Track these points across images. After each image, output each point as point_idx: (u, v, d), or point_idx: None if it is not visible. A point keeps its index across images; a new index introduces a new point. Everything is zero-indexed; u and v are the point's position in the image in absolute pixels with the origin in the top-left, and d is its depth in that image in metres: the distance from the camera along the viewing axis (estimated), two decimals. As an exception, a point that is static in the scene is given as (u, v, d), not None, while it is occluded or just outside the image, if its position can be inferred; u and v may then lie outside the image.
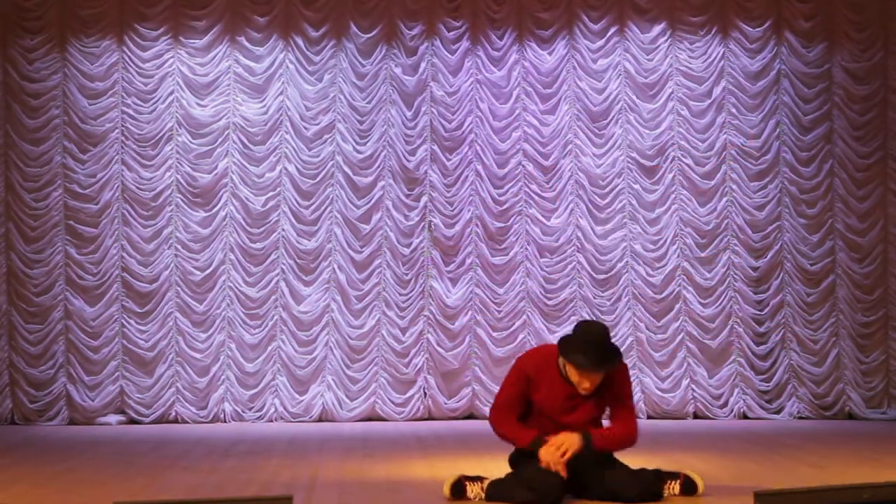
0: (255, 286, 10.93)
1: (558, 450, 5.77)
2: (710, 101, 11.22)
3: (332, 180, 11.03)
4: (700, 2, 11.26)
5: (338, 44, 11.10)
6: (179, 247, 10.91)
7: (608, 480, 5.88)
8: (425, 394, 10.95)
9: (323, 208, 11.01)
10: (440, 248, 11.07)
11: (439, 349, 10.97)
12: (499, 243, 11.12)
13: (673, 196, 11.16)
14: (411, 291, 11.02)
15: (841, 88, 11.20)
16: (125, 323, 10.84)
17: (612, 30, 11.22)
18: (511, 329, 11.04)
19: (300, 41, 11.07)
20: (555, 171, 11.17)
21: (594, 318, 10.14)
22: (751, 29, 11.24)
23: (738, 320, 11.10)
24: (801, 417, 10.95)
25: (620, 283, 11.11)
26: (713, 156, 11.20)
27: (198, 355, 10.86)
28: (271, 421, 10.81)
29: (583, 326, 5.87)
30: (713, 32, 11.24)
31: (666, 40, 11.25)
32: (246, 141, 10.99)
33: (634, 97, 11.20)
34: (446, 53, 11.14)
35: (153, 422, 10.73)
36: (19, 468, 7.60)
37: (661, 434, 9.64)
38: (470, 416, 10.91)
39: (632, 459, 6.17)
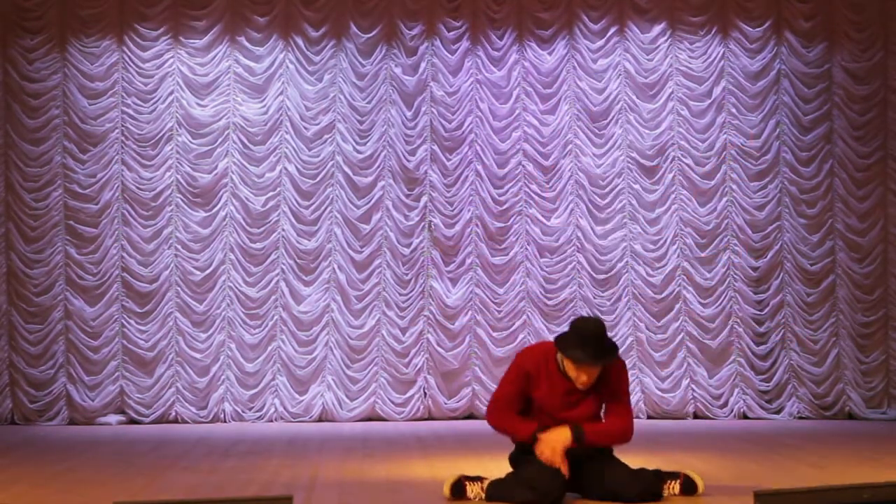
0: (255, 286, 10.93)
1: (549, 445, 5.77)
2: (710, 101, 11.22)
3: (332, 180, 11.03)
4: (700, 2, 11.26)
5: (338, 44, 11.10)
6: (179, 247, 10.91)
7: (608, 480, 5.89)
8: (425, 394, 10.95)
9: (323, 208, 11.01)
10: (440, 248, 11.07)
11: (439, 349, 10.97)
12: (499, 243, 11.12)
13: (673, 196, 11.16)
14: (411, 291, 11.02)
15: (841, 88, 11.20)
16: (125, 323, 10.84)
17: (612, 30, 11.22)
18: (511, 329, 11.04)
19: (300, 41, 11.07)
20: (555, 171, 11.17)
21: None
22: (751, 29, 11.24)
23: (738, 320, 11.11)
24: (801, 417, 10.95)
25: (620, 283, 11.11)
26: (713, 156, 11.20)
27: (198, 355, 10.86)
28: (271, 421, 10.81)
29: (579, 322, 5.89)
30: (713, 32, 11.24)
31: (666, 40, 11.25)
32: (246, 141, 10.99)
33: (634, 97, 11.20)
34: (446, 53, 11.14)
35: (153, 422, 10.73)
36: (19, 468, 7.60)
37: (661, 434, 9.64)
38: (470, 416, 10.91)
39: (632, 459, 6.17)
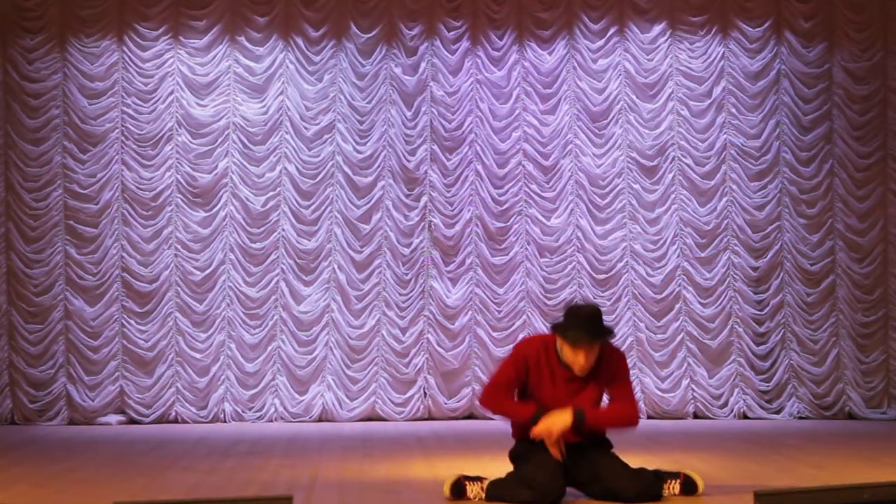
0: (255, 286, 10.93)
1: (548, 426, 5.78)
2: (710, 101, 11.22)
3: (332, 180, 11.03)
4: (700, 2, 11.26)
5: (338, 44, 11.10)
6: (179, 247, 10.90)
7: (608, 479, 5.89)
8: (425, 394, 10.95)
9: (323, 208, 11.01)
10: (440, 248, 11.07)
11: (439, 349, 10.97)
12: (499, 243, 11.12)
13: (673, 196, 11.16)
14: (411, 291, 11.02)
15: (841, 88, 11.20)
16: (125, 323, 10.84)
17: (612, 30, 11.22)
18: (511, 329, 11.03)
19: (300, 41, 11.07)
20: (555, 171, 11.17)
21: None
22: (751, 29, 11.24)
23: (738, 320, 11.10)
24: (801, 417, 10.95)
25: (620, 283, 11.11)
26: (713, 156, 11.20)
27: (198, 355, 10.86)
28: (271, 421, 10.81)
29: (574, 306, 6.02)
30: (713, 32, 11.24)
31: (666, 40, 11.25)
32: (246, 141, 10.99)
33: (634, 97, 11.20)
34: (446, 53, 11.14)
35: (153, 422, 10.73)
36: (19, 468, 7.60)
37: (661, 434, 9.64)
38: (470, 416, 10.91)
39: (632, 459, 6.17)
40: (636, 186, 11.16)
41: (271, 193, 10.99)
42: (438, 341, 10.98)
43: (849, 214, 11.16)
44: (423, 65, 11.12)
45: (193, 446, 8.84)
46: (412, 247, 11.03)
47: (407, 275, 11.03)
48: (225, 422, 10.78)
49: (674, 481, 6.03)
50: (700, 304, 11.10)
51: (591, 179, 11.17)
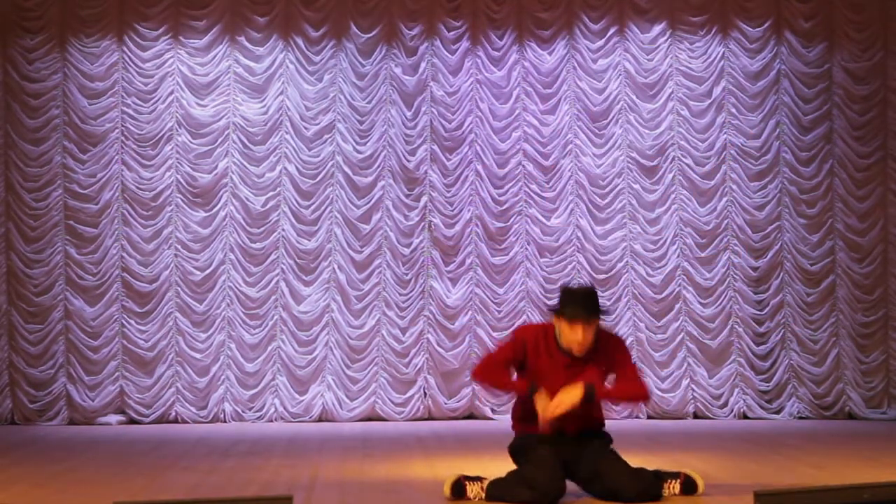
0: (255, 286, 10.93)
1: (561, 402, 5.77)
2: (710, 101, 11.22)
3: (332, 180, 11.03)
4: (700, 2, 11.26)
5: (338, 44, 11.10)
6: (179, 247, 10.90)
7: (608, 479, 5.89)
8: (425, 394, 10.94)
9: (323, 208, 11.01)
10: (440, 248, 11.07)
11: (439, 349, 10.97)
12: (499, 243, 11.12)
13: (673, 196, 11.16)
14: (411, 291, 11.02)
15: (841, 88, 11.20)
16: (125, 323, 10.84)
17: (612, 30, 11.22)
18: (511, 329, 11.02)
19: (300, 41, 11.07)
20: (555, 171, 11.17)
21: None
22: (751, 29, 11.24)
23: (738, 320, 11.10)
24: (801, 417, 10.95)
25: (620, 283, 11.11)
26: (713, 156, 11.20)
27: (198, 355, 10.86)
28: (271, 421, 10.80)
29: (569, 286, 6.09)
30: (713, 32, 11.24)
31: (666, 40, 11.25)
32: (246, 141, 10.99)
33: (634, 97, 11.20)
34: (446, 53, 11.14)
35: (153, 422, 10.73)
36: (19, 468, 7.60)
37: (661, 434, 9.64)
38: (470, 416, 10.91)
39: (632, 459, 6.17)
40: (636, 186, 11.16)
41: (271, 193, 10.99)
42: (438, 341, 10.98)
43: (849, 214, 11.16)
44: (423, 65, 11.12)
45: (193, 446, 8.84)
46: (412, 247, 11.03)
47: (407, 275, 11.03)
48: (225, 422, 10.78)
49: (674, 481, 6.03)
50: (700, 304, 11.10)
51: (591, 179, 11.17)
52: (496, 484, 5.95)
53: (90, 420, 10.72)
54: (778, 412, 10.99)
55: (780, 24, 11.26)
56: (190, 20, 11.01)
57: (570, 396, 5.80)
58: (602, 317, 5.93)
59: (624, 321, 11.03)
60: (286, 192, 10.98)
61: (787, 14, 11.24)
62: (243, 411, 10.82)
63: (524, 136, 11.17)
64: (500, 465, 6.32)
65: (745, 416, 10.96)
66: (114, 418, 10.72)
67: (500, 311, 11.04)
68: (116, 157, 10.90)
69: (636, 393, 6.05)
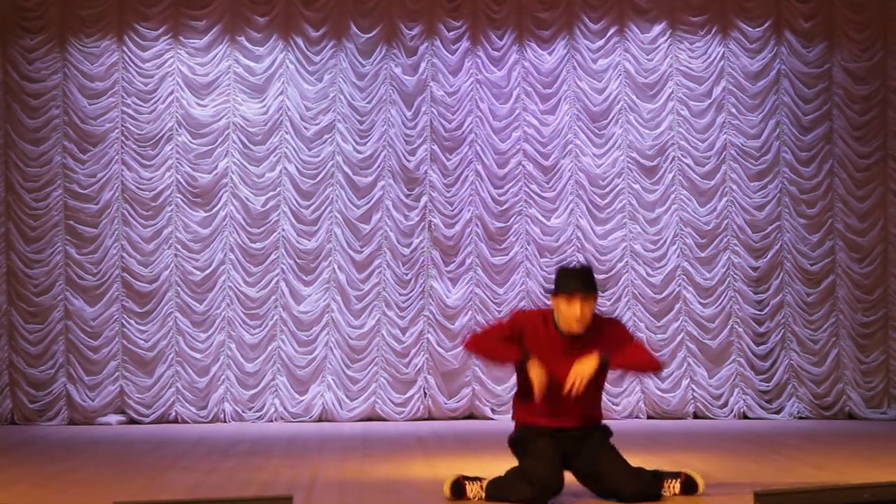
0: (255, 286, 10.93)
1: (577, 373, 5.76)
2: (710, 101, 11.22)
3: (332, 180, 11.03)
4: (700, 2, 11.26)
5: (338, 44, 11.10)
6: (179, 247, 10.90)
7: (607, 478, 5.89)
8: (425, 394, 10.94)
9: (323, 208, 11.01)
10: (440, 248, 11.07)
11: (439, 349, 10.97)
12: (499, 243, 11.12)
13: (673, 196, 11.16)
14: (411, 291, 11.02)
15: (841, 88, 11.20)
16: (125, 323, 10.84)
17: (612, 30, 11.22)
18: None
19: (300, 41, 11.07)
20: (555, 171, 11.17)
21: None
22: (751, 29, 11.24)
23: (738, 320, 11.10)
24: (801, 417, 10.95)
25: (620, 283, 11.11)
26: (713, 156, 11.20)
27: (198, 355, 10.86)
28: (271, 421, 10.80)
29: (564, 266, 6.15)
30: (713, 32, 11.24)
31: (666, 40, 11.25)
32: (246, 141, 10.99)
33: (634, 97, 11.20)
34: (446, 53, 11.14)
35: (153, 422, 10.73)
36: (19, 468, 7.60)
37: (661, 434, 9.64)
38: (470, 416, 10.91)
39: (632, 459, 6.17)
40: (636, 186, 11.16)
41: (271, 193, 10.99)
42: (438, 341, 10.98)
43: (849, 214, 11.16)
44: (423, 65, 11.12)
45: (193, 446, 8.84)
46: (412, 247, 11.03)
47: (407, 275, 11.03)
48: (225, 422, 10.78)
49: (674, 481, 6.03)
50: (700, 304, 11.10)
51: (591, 179, 11.17)
52: (495, 483, 5.95)
53: (90, 420, 10.72)
54: (778, 412, 10.99)
55: (780, 24, 11.26)
56: (190, 20, 11.01)
57: (587, 366, 5.79)
58: (599, 293, 5.96)
59: (624, 321, 11.01)
60: (286, 192, 10.98)
61: (787, 14, 11.24)
62: (243, 411, 10.82)
63: (524, 136, 11.17)
64: (500, 465, 6.32)
65: (745, 416, 10.96)
66: (114, 418, 10.72)
67: (500, 311, 11.03)
68: (116, 157, 10.90)
69: (650, 361, 6.07)
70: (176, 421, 10.76)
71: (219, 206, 10.95)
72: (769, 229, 11.17)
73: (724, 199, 11.17)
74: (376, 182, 11.05)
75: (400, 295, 11.00)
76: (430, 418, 10.89)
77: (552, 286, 5.99)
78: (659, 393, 10.97)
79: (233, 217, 10.94)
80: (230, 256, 10.92)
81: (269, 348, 10.90)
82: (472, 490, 5.96)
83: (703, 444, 8.91)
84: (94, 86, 10.91)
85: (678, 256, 11.13)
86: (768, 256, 11.16)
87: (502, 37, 11.18)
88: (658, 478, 6.02)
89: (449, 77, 11.12)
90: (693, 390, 11.02)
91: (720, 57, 11.22)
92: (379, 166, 11.05)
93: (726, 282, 11.12)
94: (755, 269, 11.16)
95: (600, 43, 11.21)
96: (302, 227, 10.99)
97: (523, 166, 11.16)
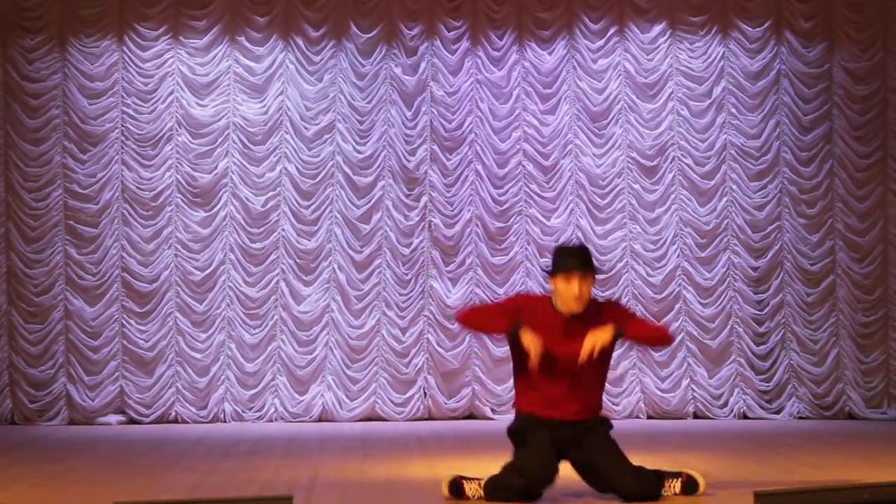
0: (255, 286, 10.93)
1: (593, 343, 5.74)
2: (710, 101, 11.22)
3: (332, 180, 11.03)
4: (700, 2, 11.26)
5: (338, 44, 11.10)
6: (179, 247, 10.91)
7: (607, 475, 5.89)
8: (425, 394, 10.94)
9: (323, 208, 11.01)
10: (440, 248, 11.07)
11: (439, 349, 10.97)
12: (499, 243, 11.12)
13: (673, 196, 11.16)
14: (411, 291, 11.02)
15: (841, 88, 11.20)
16: (125, 323, 10.84)
17: (612, 30, 11.22)
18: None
19: (300, 41, 11.07)
20: (555, 171, 11.17)
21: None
22: (751, 29, 11.24)
23: (738, 320, 11.10)
24: (801, 417, 10.95)
25: (620, 283, 11.11)
26: (713, 156, 11.20)
27: (198, 355, 10.86)
28: (271, 421, 10.80)
29: (560, 245, 6.17)
30: (713, 32, 11.24)
31: (666, 40, 11.25)
32: (246, 141, 10.99)
33: (634, 97, 11.20)
34: (446, 53, 11.14)
35: (153, 422, 10.73)
36: (19, 468, 7.60)
37: (661, 434, 9.64)
38: (470, 416, 10.91)
39: (632, 459, 6.16)
40: (636, 186, 11.16)
41: (271, 193, 10.99)
42: (438, 341, 10.98)
43: (849, 214, 11.16)
44: (423, 65, 11.12)
45: (193, 446, 8.84)
46: (412, 247, 11.03)
47: (407, 275, 11.03)
48: (225, 422, 10.78)
49: (675, 480, 6.02)
50: (700, 304, 11.10)
51: (591, 179, 11.17)
52: (491, 481, 5.94)
53: (90, 420, 10.72)
54: (778, 412, 10.99)
55: (780, 24, 11.26)
56: (190, 20, 11.01)
57: (601, 336, 5.77)
58: (596, 273, 5.95)
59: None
60: (286, 192, 10.98)
61: (787, 14, 11.24)
62: (243, 411, 10.82)
63: (524, 136, 11.17)
64: (500, 466, 6.32)
65: (745, 416, 10.96)
66: (114, 418, 10.72)
67: (500, 311, 11.02)
68: (116, 157, 10.90)
69: (661, 333, 6.09)
70: (176, 421, 10.76)
71: (219, 206, 10.95)
72: (769, 229, 11.16)
73: (724, 199, 11.17)
74: (376, 182, 11.05)
75: (400, 295, 11.00)
76: (430, 418, 10.89)
77: (549, 264, 5.99)
78: (659, 393, 10.97)
79: (233, 217, 10.94)
80: (230, 256, 10.92)
81: (269, 348, 10.90)
82: (471, 489, 5.96)
83: (703, 444, 8.91)
84: (94, 86, 10.91)
85: (678, 256, 11.13)
86: (768, 256, 11.16)
87: (502, 37, 11.18)
88: (659, 477, 6.02)
89: (449, 77, 11.12)
90: (693, 390, 11.02)
91: (720, 57, 11.22)
92: (379, 166, 11.05)
93: (726, 282, 11.12)
94: (755, 269, 11.16)
95: (600, 43, 11.21)
96: (302, 227, 10.99)
97: (523, 166, 11.16)
